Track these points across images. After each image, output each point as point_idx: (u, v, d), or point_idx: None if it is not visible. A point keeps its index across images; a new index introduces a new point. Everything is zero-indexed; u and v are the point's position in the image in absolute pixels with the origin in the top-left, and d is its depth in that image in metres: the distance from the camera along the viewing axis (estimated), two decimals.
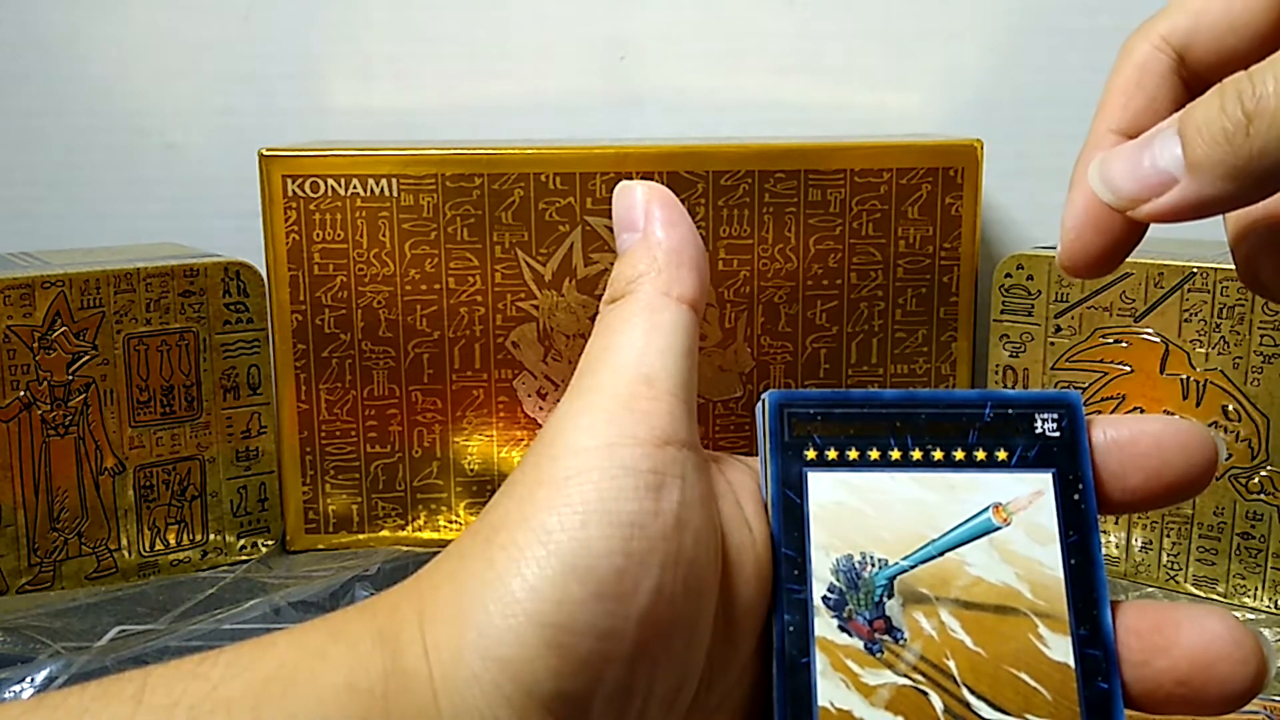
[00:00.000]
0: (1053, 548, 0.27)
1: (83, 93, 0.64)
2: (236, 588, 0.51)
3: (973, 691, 0.26)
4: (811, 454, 0.27)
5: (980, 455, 0.27)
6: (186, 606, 0.49)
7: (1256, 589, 0.48)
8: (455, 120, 0.65)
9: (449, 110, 0.65)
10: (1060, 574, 0.26)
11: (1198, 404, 0.49)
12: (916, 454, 0.27)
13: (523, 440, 0.55)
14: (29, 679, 0.42)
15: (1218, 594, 0.49)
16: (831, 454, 0.27)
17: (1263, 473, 0.48)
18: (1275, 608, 0.48)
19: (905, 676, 0.26)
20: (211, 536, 0.54)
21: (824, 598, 0.26)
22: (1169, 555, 0.50)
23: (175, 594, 0.51)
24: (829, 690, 0.25)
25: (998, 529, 0.27)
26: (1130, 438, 0.27)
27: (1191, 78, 0.27)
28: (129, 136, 0.65)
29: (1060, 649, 0.26)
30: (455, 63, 0.64)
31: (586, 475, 0.24)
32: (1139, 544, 0.51)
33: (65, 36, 0.64)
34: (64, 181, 0.65)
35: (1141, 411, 0.49)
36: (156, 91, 0.65)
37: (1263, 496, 0.48)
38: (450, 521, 0.55)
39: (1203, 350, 0.48)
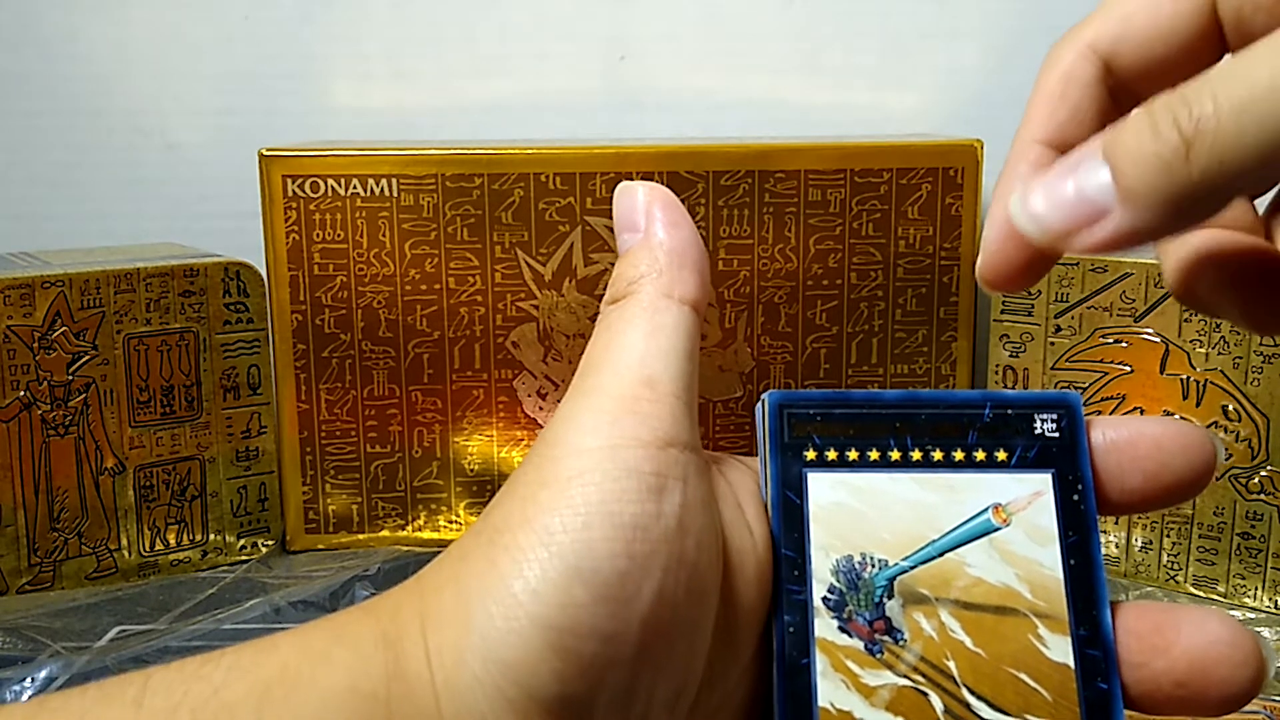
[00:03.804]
0: (1052, 548, 0.27)
1: (83, 93, 0.64)
2: (236, 588, 0.51)
3: (973, 692, 0.26)
4: (811, 454, 0.27)
5: (980, 456, 0.27)
6: (186, 606, 0.49)
7: (1256, 589, 0.48)
8: (455, 120, 0.65)
9: (449, 110, 0.65)
10: (1060, 574, 0.26)
11: (1198, 404, 0.49)
12: (916, 454, 0.27)
13: (523, 440, 0.55)
14: (29, 679, 0.42)
15: (1218, 594, 0.49)
16: (831, 454, 0.27)
17: (1263, 473, 0.48)
18: (1275, 608, 0.48)
19: (905, 677, 0.26)
20: (211, 536, 0.54)
21: (824, 598, 0.26)
22: (1169, 555, 0.50)
23: (175, 594, 0.51)
24: (829, 691, 0.25)
25: (997, 529, 0.27)
26: (1130, 439, 0.27)
27: (1117, 87, 0.26)
28: (129, 136, 0.65)
29: (1060, 649, 0.26)
30: (455, 63, 0.64)
31: (589, 477, 0.24)
32: (1139, 544, 0.51)
33: (65, 36, 0.64)
34: (64, 181, 0.65)
35: (1141, 412, 0.49)
36: (156, 91, 0.65)
37: (1263, 496, 0.48)
38: (450, 521, 0.55)
39: (1203, 350, 0.48)
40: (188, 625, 0.47)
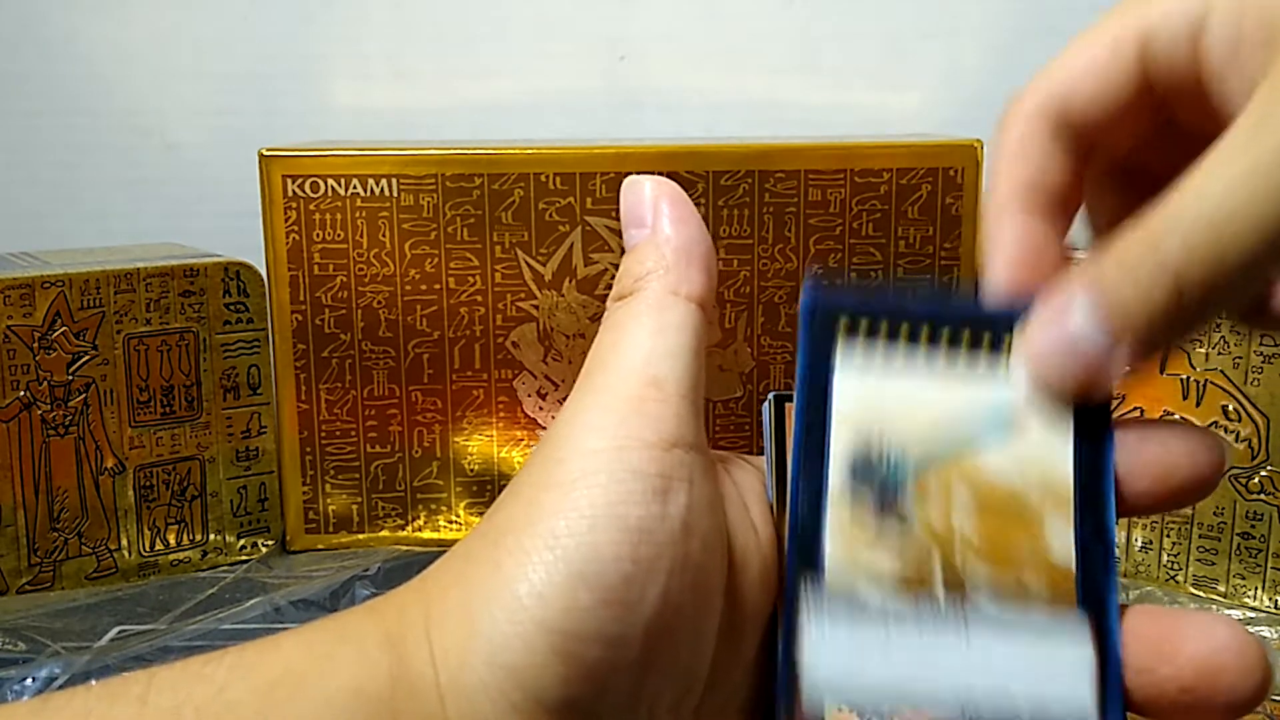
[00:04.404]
0: (1065, 451, 0.27)
1: (83, 93, 0.64)
2: (236, 588, 0.51)
3: (973, 583, 0.26)
4: (840, 353, 0.27)
5: (1006, 365, 0.27)
6: (186, 606, 0.49)
7: (1256, 589, 0.48)
8: (455, 120, 0.65)
9: (449, 110, 0.65)
10: (1070, 477, 0.27)
11: (1198, 404, 0.49)
12: (944, 357, 0.27)
13: (523, 440, 0.55)
14: (29, 679, 0.42)
15: (1218, 594, 0.49)
16: (859, 354, 0.27)
17: (1263, 473, 0.48)
18: (1275, 608, 0.48)
19: (913, 553, 0.26)
20: (211, 536, 0.54)
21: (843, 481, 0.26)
22: (1169, 555, 0.50)
23: (175, 594, 0.51)
24: (836, 542, 0.26)
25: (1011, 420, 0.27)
26: (1137, 441, 0.27)
27: (1072, 139, 0.27)
28: (129, 136, 0.65)
29: (1063, 544, 0.26)
30: (455, 63, 0.64)
31: (594, 479, 0.23)
32: (1139, 544, 0.51)
33: (65, 36, 0.64)
34: (64, 181, 0.65)
35: (1141, 412, 0.49)
36: (156, 91, 0.65)
37: (1263, 496, 0.48)
38: (450, 521, 0.55)
39: (1203, 350, 0.48)
40: (188, 625, 0.47)
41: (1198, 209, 0.22)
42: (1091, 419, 0.27)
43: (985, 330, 0.27)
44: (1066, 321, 0.25)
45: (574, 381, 0.26)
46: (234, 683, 0.22)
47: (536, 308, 0.53)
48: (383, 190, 0.52)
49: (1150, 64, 0.26)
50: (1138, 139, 0.28)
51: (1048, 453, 0.27)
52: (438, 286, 0.53)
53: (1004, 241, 0.27)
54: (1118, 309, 0.24)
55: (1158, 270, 0.23)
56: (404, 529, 0.55)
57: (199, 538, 0.53)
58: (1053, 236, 0.28)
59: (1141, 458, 0.27)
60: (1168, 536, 0.50)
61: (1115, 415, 0.27)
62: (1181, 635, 0.25)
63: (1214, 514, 0.49)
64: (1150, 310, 0.23)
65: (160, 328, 0.51)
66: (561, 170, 0.52)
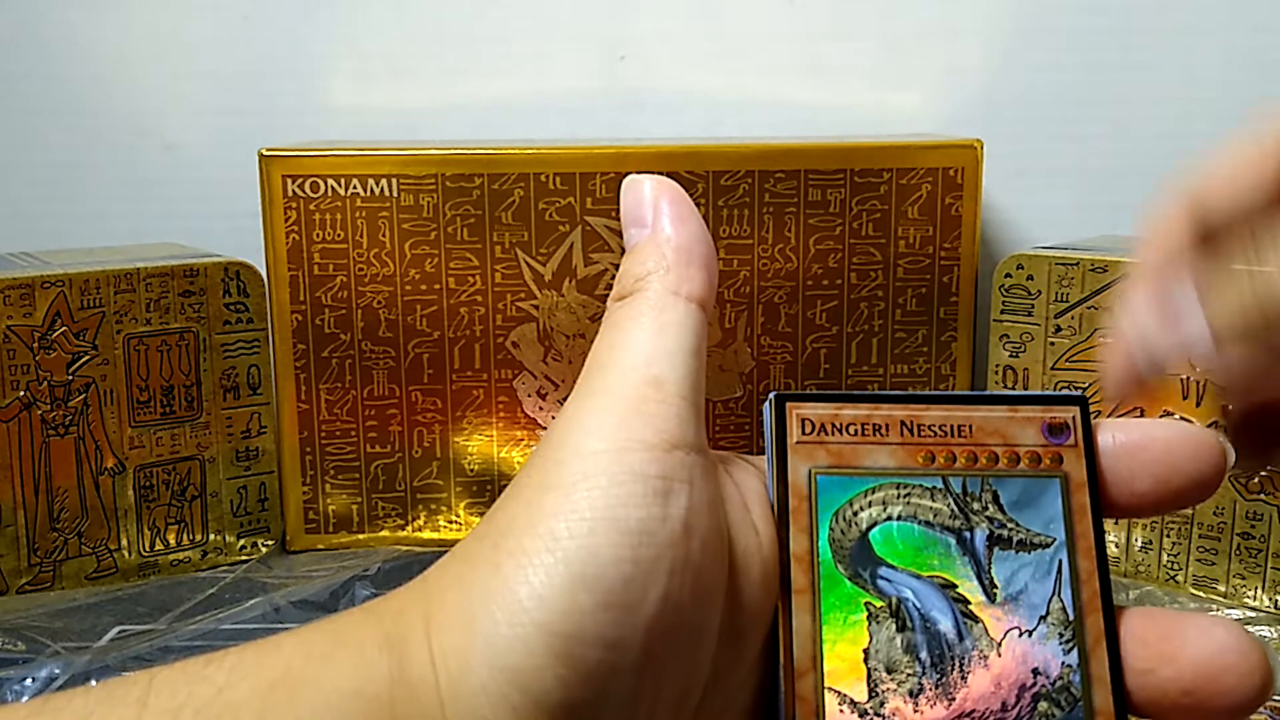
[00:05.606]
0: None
1: (83, 93, 0.64)
2: (236, 588, 0.51)
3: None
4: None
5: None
6: (186, 606, 0.49)
7: (1256, 589, 0.48)
8: (455, 120, 0.65)
9: (449, 110, 0.65)
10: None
11: (1198, 404, 0.49)
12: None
13: (523, 440, 0.55)
14: (29, 679, 0.42)
15: (1218, 594, 0.49)
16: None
17: (1263, 473, 0.48)
18: (1275, 608, 0.48)
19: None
20: (211, 536, 0.54)
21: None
22: (1169, 555, 0.50)
23: (175, 594, 0.51)
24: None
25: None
26: (1140, 442, 0.27)
27: (1203, 233, 0.30)
28: (129, 136, 0.65)
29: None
30: (455, 63, 0.64)
31: (594, 481, 0.23)
32: (1139, 544, 0.51)
33: (65, 36, 0.64)
34: (64, 181, 0.65)
35: (1141, 413, 0.49)
36: (156, 91, 0.65)
37: (1263, 496, 0.48)
38: (450, 521, 0.55)
39: None
40: (188, 625, 0.47)
41: None
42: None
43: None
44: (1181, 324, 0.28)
45: (574, 381, 0.26)
46: (234, 684, 0.22)
47: (536, 308, 0.53)
48: (383, 190, 0.52)
49: None
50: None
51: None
52: (438, 286, 0.53)
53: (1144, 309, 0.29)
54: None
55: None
56: (404, 529, 0.55)
57: (199, 538, 0.53)
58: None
59: (1143, 459, 0.27)
60: (1168, 536, 0.50)
61: (1124, 418, 0.27)
62: (1182, 637, 0.25)
63: (1214, 514, 0.49)
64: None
65: (160, 328, 0.51)
66: (561, 170, 0.52)
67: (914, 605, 0.27)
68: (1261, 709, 0.39)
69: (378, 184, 0.52)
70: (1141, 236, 0.31)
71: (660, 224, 0.27)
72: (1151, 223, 0.30)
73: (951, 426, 0.28)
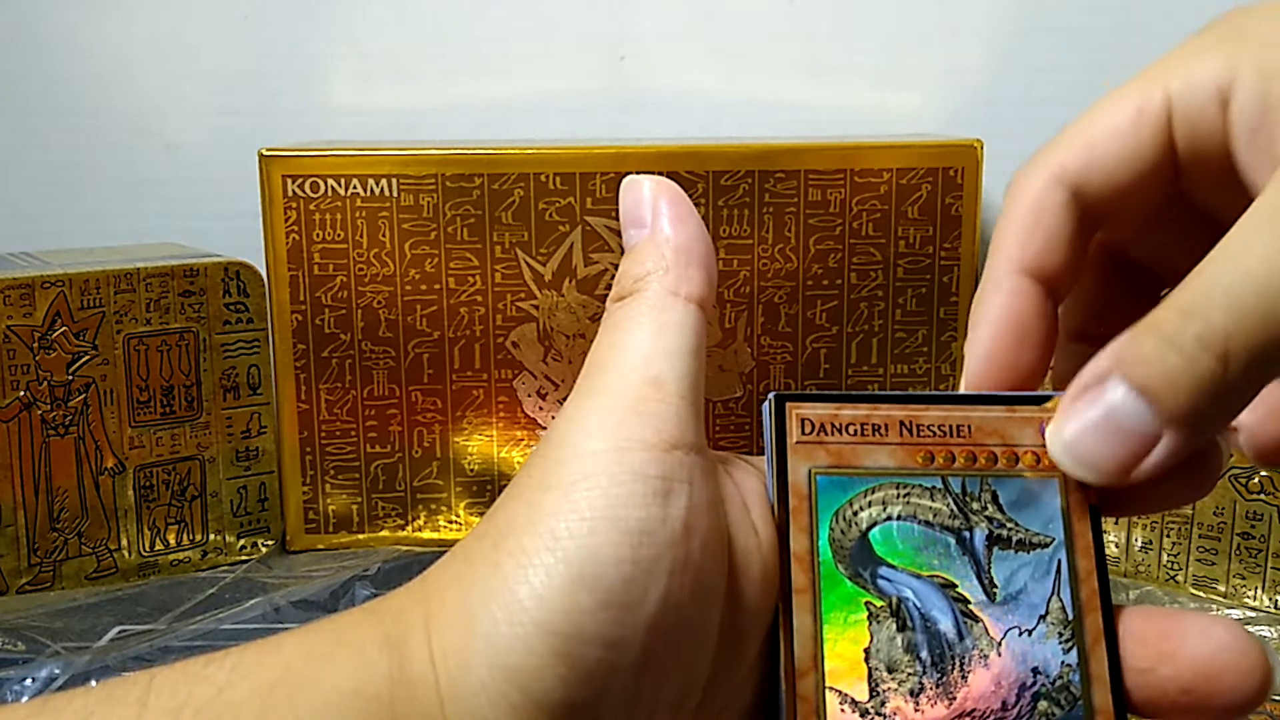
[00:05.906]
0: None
1: (83, 93, 0.64)
2: (236, 588, 0.51)
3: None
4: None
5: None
6: (186, 606, 0.49)
7: (1256, 589, 0.48)
8: (455, 120, 0.65)
9: (449, 110, 0.65)
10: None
11: None
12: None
13: (523, 440, 0.55)
14: (29, 679, 0.42)
15: (1218, 594, 0.49)
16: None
17: (1263, 473, 0.48)
18: (1275, 608, 0.48)
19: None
20: (211, 536, 0.54)
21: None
22: (1169, 555, 0.50)
23: (175, 594, 0.51)
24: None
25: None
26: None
27: (1085, 211, 0.27)
28: (129, 136, 0.65)
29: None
30: (455, 63, 0.64)
31: (594, 480, 0.23)
32: (1139, 544, 0.51)
33: (65, 36, 0.64)
34: (64, 181, 0.65)
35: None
36: (156, 91, 0.65)
37: (1263, 496, 0.48)
38: (450, 521, 0.55)
39: None
40: (188, 625, 0.47)
41: (1242, 269, 0.22)
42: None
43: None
44: (1102, 400, 0.24)
45: (574, 381, 0.26)
46: (234, 684, 0.22)
47: (536, 308, 0.53)
48: (383, 190, 0.52)
49: (1174, 131, 0.25)
50: (1144, 219, 0.28)
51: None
52: (438, 286, 0.53)
53: (995, 310, 0.27)
54: (1160, 380, 0.23)
55: (1200, 337, 0.22)
56: (404, 529, 0.55)
57: (199, 538, 0.53)
58: (1047, 312, 0.27)
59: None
60: (1168, 536, 0.50)
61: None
62: (1181, 636, 0.25)
63: (1214, 514, 0.49)
64: (1197, 380, 0.22)
65: (160, 328, 0.51)
66: (561, 170, 0.52)
67: (914, 605, 0.27)
68: (1262, 710, 0.39)
69: (378, 184, 0.52)
70: (1004, 221, 0.28)
71: (659, 224, 0.27)
72: (1014, 200, 0.27)
73: (951, 427, 0.28)
